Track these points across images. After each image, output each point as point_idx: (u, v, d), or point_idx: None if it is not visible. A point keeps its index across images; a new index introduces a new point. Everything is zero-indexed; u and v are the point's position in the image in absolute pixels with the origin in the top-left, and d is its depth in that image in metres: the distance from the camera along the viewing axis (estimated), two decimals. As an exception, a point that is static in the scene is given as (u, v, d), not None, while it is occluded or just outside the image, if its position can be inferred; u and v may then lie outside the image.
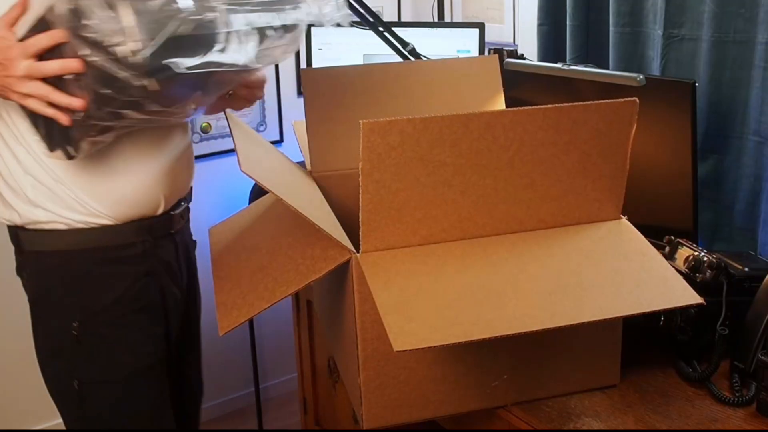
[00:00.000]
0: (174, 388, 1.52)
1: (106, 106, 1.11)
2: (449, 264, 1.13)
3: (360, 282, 1.13)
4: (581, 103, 1.18)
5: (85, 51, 1.05)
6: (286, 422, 2.81)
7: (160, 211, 1.40)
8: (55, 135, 1.19)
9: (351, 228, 1.18)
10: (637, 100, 1.21)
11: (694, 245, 1.44)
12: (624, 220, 1.30)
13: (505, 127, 1.13)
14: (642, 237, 1.26)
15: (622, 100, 1.19)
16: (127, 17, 1.03)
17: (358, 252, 1.14)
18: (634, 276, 1.16)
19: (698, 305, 1.16)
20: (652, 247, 1.23)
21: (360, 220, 1.12)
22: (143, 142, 1.33)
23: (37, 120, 1.20)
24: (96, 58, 1.05)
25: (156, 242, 1.41)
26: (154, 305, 1.43)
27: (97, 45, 1.04)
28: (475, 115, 1.11)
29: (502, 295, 1.08)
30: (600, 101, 1.19)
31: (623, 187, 1.27)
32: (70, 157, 1.20)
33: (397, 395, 1.21)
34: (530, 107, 1.16)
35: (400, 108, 1.55)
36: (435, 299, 1.07)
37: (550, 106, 1.16)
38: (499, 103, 1.64)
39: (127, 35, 1.04)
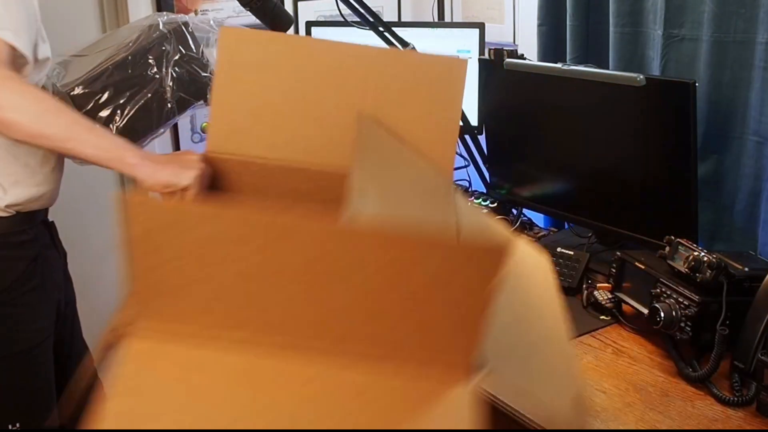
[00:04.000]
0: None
1: None
2: (219, 382, 0.82)
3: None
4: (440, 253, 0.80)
5: None
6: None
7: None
8: None
9: None
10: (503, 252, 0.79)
11: (694, 245, 1.44)
12: (469, 389, 0.84)
13: (339, 251, 0.80)
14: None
15: (491, 248, 0.79)
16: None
17: None
18: None
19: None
20: None
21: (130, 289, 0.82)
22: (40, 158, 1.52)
23: None
24: None
25: (37, 229, 1.53)
26: (44, 284, 1.53)
27: None
28: (299, 230, 0.78)
29: None
30: (465, 247, 0.80)
31: (478, 341, 0.86)
32: None
33: None
34: (373, 232, 0.80)
35: (330, 101, 1.24)
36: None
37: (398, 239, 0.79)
38: (452, 118, 1.22)
39: None
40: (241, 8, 1.83)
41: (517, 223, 2.02)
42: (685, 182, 1.62)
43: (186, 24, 1.64)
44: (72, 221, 1.76)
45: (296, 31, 2.56)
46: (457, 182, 2.20)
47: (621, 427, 1.26)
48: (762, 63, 1.64)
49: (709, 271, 1.36)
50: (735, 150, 1.74)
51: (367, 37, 1.95)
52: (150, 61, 1.58)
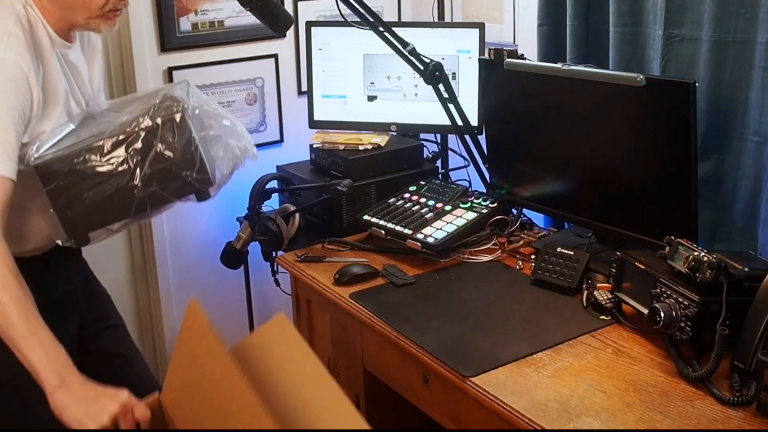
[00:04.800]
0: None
1: None
2: None
3: None
4: None
5: None
6: (286, 422, 2.80)
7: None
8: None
9: None
10: None
11: (694, 245, 1.44)
12: None
13: None
14: None
15: None
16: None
17: None
18: None
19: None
20: None
21: None
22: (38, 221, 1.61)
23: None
24: None
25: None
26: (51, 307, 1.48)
27: None
28: None
29: None
30: None
31: None
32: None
33: None
34: None
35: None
36: None
37: None
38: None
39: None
40: (241, 8, 1.83)
41: (517, 223, 2.02)
42: (685, 182, 1.62)
43: (183, 113, 1.56)
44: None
45: (296, 30, 2.56)
46: (457, 182, 2.21)
47: (621, 427, 1.26)
48: (762, 63, 1.64)
49: (709, 271, 1.36)
50: (735, 150, 1.74)
51: (368, 37, 1.96)
52: (124, 153, 1.53)
